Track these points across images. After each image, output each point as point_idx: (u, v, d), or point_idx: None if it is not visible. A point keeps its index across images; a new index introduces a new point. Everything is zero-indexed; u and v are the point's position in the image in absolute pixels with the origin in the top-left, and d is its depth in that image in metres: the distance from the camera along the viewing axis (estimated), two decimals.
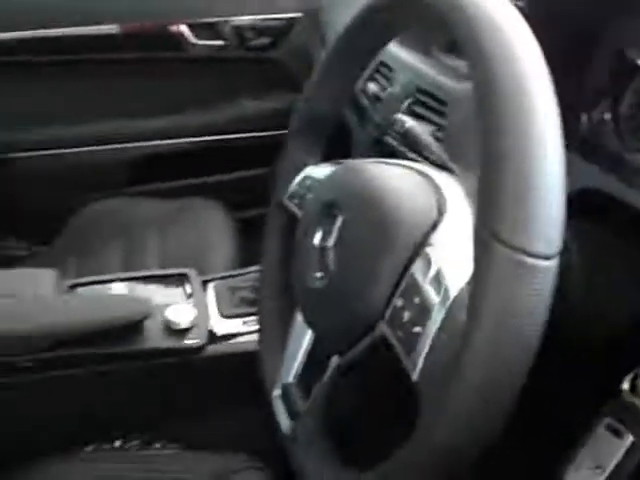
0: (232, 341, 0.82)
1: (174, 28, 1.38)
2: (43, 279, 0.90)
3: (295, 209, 0.63)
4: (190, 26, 1.38)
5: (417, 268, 0.43)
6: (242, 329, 0.83)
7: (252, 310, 0.85)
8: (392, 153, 0.81)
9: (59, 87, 1.41)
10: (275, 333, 0.64)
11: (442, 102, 0.76)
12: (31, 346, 0.78)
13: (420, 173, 0.52)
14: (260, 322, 0.67)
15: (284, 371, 0.59)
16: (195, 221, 1.25)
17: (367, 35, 0.57)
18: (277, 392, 0.59)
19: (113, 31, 1.38)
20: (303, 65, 1.36)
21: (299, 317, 0.59)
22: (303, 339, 0.58)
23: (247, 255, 1.15)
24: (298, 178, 0.64)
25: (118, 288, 0.90)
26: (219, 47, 1.41)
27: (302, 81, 1.46)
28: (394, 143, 0.83)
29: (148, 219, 1.28)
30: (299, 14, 1.42)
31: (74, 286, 0.91)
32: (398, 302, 0.43)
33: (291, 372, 0.58)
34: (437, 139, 0.70)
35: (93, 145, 1.44)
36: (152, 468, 0.77)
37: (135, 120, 1.45)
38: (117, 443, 0.84)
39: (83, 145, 1.44)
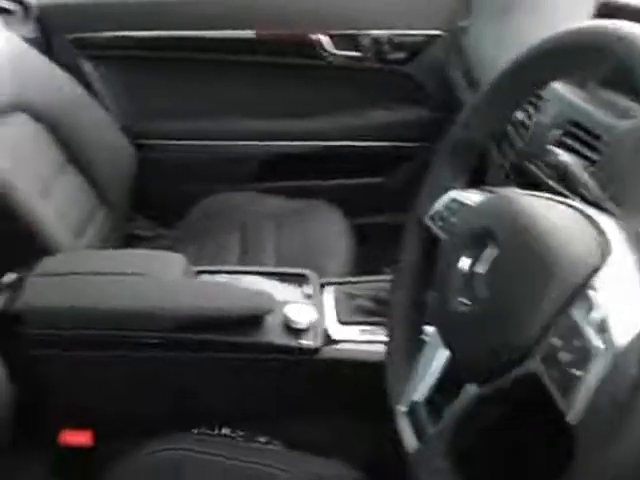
0: (348, 347, 0.84)
1: (314, 36, 1.44)
2: (173, 262, 0.95)
3: (437, 230, 0.64)
4: (330, 36, 1.44)
5: (577, 310, 0.43)
6: (359, 337, 0.85)
7: (370, 319, 0.87)
8: (535, 183, 0.80)
9: (206, 83, 1.52)
10: (404, 347, 0.65)
11: (597, 137, 0.74)
12: (157, 325, 0.84)
13: (580, 212, 0.51)
14: (389, 334, 0.68)
15: (412, 388, 0.59)
16: (314, 223, 1.29)
17: (537, 71, 0.58)
18: (403, 408, 0.60)
19: (255, 36, 1.46)
20: (435, 82, 1.37)
21: (433, 335, 0.59)
22: (436, 358, 0.58)
23: (362, 262, 1.17)
24: (443, 200, 0.65)
25: (241, 280, 0.96)
26: (356, 58, 1.45)
27: (431, 97, 1.48)
28: (539, 173, 0.82)
29: (268, 216, 1.33)
30: (439, 32, 1.44)
31: (200, 272, 0.98)
32: (554, 341, 0.43)
33: (420, 390, 0.58)
34: (590, 175, 0.69)
35: (229, 140, 1.53)
36: (253, 460, 0.79)
37: (268, 120, 1.52)
38: (224, 431, 0.88)
39: (220, 139, 1.53)
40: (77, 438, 0.89)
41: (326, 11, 1.46)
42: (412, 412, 0.58)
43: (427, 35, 1.44)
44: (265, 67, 1.49)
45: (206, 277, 0.97)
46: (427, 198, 0.68)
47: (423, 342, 0.63)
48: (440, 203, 0.65)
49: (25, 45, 1.33)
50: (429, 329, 0.63)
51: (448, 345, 0.54)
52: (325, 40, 1.43)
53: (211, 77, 1.52)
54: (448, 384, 0.55)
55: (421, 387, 0.59)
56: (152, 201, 1.53)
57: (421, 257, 0.67)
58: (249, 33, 1.46)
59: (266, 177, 1.53)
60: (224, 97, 1.51)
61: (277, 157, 1.53)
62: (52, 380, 0.88)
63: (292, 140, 1.52)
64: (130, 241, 1.46)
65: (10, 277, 0.93)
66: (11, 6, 1.52)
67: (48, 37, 1.52)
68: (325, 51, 1.44)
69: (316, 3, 1.46)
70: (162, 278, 0.90)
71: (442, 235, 0.63)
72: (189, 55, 1.52)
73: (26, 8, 1.53)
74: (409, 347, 0.65)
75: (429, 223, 0.66)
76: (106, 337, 0.84)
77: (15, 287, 0.89)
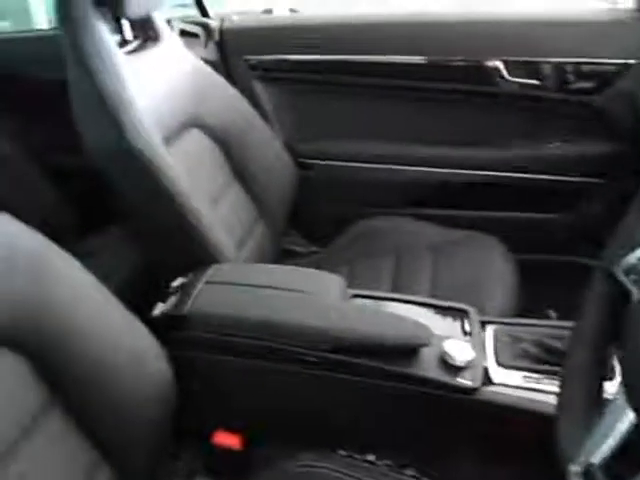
0: (509, 392, 0.80)
1: (489, 62, 1.41)
2: (332, 283, 0.98)
3: (629, 285, 0.59)
4: (504, 62, 1.40)
5: None
6: (522, 383, 0.80)
7: (534, 366, 0.82)
8: None
9: (370, 107, 1.56)
10: (580, 403, 0.60)
11: None
12: (316, 343, 0.86)
13: None
14: (562, 386, 0.64)
15: (589, 448, 0.55)
16: (474, 255, 1.25)
17: None
18: (576, 469, 0.55)
19: (424, 60, 1.47)
20: (623, 114, 1.28)
21: (619, 395, 0.54)
22: (621, 421, 0.53)
23: (524, 301, 1.12)
24: (638, 253, 0.60)
25: (396, 308, 0.95)
26: (534, 86, 1.40)
27: (618, 130, 1.38)
28: None
29: (424, 244, 1.32)
30: (630, 61, 1.35)
31: (356, 295, 0.99)
32: None
33: (598, 453, 0.54)
34: None
35: (389, 164, 1.54)
36: None
37: (432, 146, 1.51)
38: (369, 457, 0.88)
39: (380, 162, 1.55)
40: (228, 440, 0.93)
41: (504, 37, 1.42)
42: (587, 475, 0.54)
43: (618, 64, 1.35)
44: (433, 92, 1.49)
45: (361, 301, 0.98)
46: (620, 248, 0.63)
47: (604, 400, 0.58)
48: (636, 255, 0.60)
49: (206, 66, 1.44)
50: (612, 386, 0.58)
51: (636, 410, 0.49)
52: (500, 66, 1.40)
53: (376, 101, 1.55)
54: (633, 453, 0.50)
55: (600, 450, 0.54)
56: (307, 218, 1.59)
57: (608, 312, 0.62)
58: (418, 58, 1.48)
59: (424, 203, 1.52)
60: (388, 121, 1.54)
61: (438, 184, 1.52)
62: (211, 382, 0.93)
63: (455, 168, 1.50)
64: (283, 255, 1.52)
65: (179, 281, 1.01)
66: (196, 30, 1.67)
67: (226, 59, 1.64)
68: (500, 77, 1.41)
69: (493, 29, 1.44)
70: (322, 298, 0.92)
71: (636, 291, 0.58)
72: (355, 79, 1.56)
73: (209, 32, 1.67)
74: (587, 403, 0.60)
75: (621, 276, 0.61)
76: (266, 348, 0.86)
77: (184, 291, 0.96)
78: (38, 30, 2.07)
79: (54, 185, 1.59)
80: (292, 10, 1.83)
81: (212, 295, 0.94)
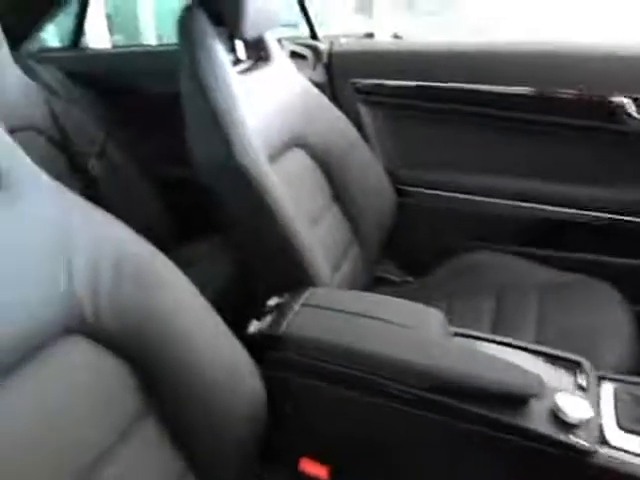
0: (630, 459, 0.72)
1: (614, 98, 1.33)
2: (432, 318, 0.94)
3: None
4: (634, 99, 1.32)
5: None
6: None
7: None
8: None
9: (478, 137, 1.52)
10: None
11: None
12: (413, 380, 0.82)
13: None
14: None
15: None
16: (585, 301, 1.16)
17: None
18: None
19: (540, 93, 1.41)
20: None
21: None
22: None
23: None
24: None
25: (501, 352, 0.89)
26: None
27: None
28: None
29: (530, 285, 1.25)
30: None
31: (458, 334, 0.94)
32: None
33: None
34: None
35: (494, 197, 1.49)
36: None
37: (544, 182, 1.45)
38: None
39: (485, 195, 1.50)
40: (315, 469, 0.90)
41: (633, 74, 1.35)
42: None
43: None
44: (546, 126, 1.42)
45: (463, 339, 0.93)
46: None
47: None
48: None
49: (313, 88, 1.46)
50: None
51: None
52: (627, 102, 1.32)
53: (485, 131, 1.50)
54: None
55: None
56: (403, 247, 1.55)
57: None
58: (531, 89, 1.42)
59: (532, 241, 1.45)
60: (497, 153, 1.48)
61: (548, 222, 1.44)
62: (301, 407, 0.91)
63: (568, 207, 1.42)
64: (376, 283, 1.49)
65: (275, 301, 1.00)
66: (305, 52, 1.69)
67: (333, 81, 1.65)
68: (626, 115, 1.33)
69: (621, 64, 1.36)
70: (423, 332, 0.88)
71: None
72: (462, 107, 1.52)
73: (317, 54, 1.69)
74: None
75: None
76: (360, 379, 0.84)
77: (280, 312, 0.95)
78: (153, 45, 2.18)
79: (160, 194, 1.65)
80: (396, 36, 1.83)
81: (308, 318, 0.92)
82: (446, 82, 1.52)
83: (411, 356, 0.83)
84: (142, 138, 1.75)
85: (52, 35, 2.15)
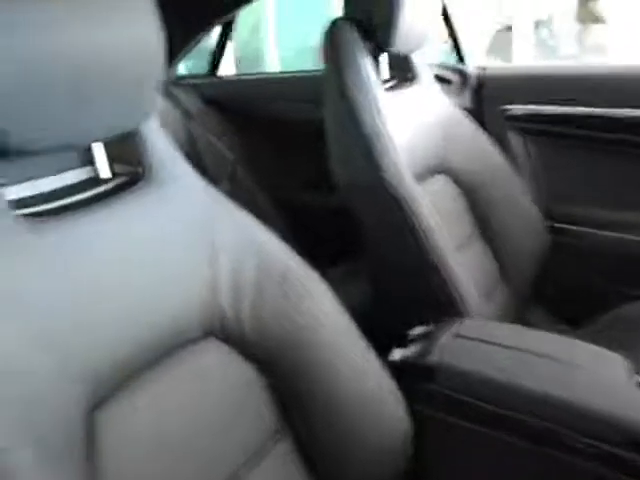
0: None
1: None
2: (614, 362, 0.81)
3: None
4: None
5: None
6: None
7: None
8: None
9: None
10: None
11: None
12: (594, 431, 0.69)
13: None
14: None
15: None
16: None
17: None
18: None
19: None
20: None
21: None
22: None
23: None
24: None
25: None
26: None
27: None
28: None
29: None
30: None
31: None
32: None
33: None
34: None
35: None
36: None
37: None
38: None
39: None
40: None
41: None
42: None
43: None
44: None
45: None
46: None
47: None
48: None
49: (460, 113, 1.39)
50: None
51: None
52: None
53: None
54: None
55: None
56: (556, 291, 1.40)
57: None
58: None
59: None
60: None
61: None
62: (448, 447, 0.80)
63: None
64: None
65: (422, 329, 0.91)
66: (451, 76, 1.63)
67: (481, 107, 1.57)
68: None
69: None
70: (605, 377, 0.75)
71: None
72: (629, 137, 1.38)
73: (464, 79, 1.62)
74: None
75: None
76: (527, 425, 0.72)
77: (428, 341, 0.86)
78: (287, 72, 2.23)
79: (288, 219, 1.63)
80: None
81: (462, 350, 0.82)
82: (607, 109, 1.39)
83: (596, 403, 0.70)
84: (273, 163, 1.76)
85: (191, 63, 2.26)
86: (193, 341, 0.66)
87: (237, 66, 3.87)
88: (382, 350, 0.84)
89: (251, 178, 1.67)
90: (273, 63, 4.46)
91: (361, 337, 0.76)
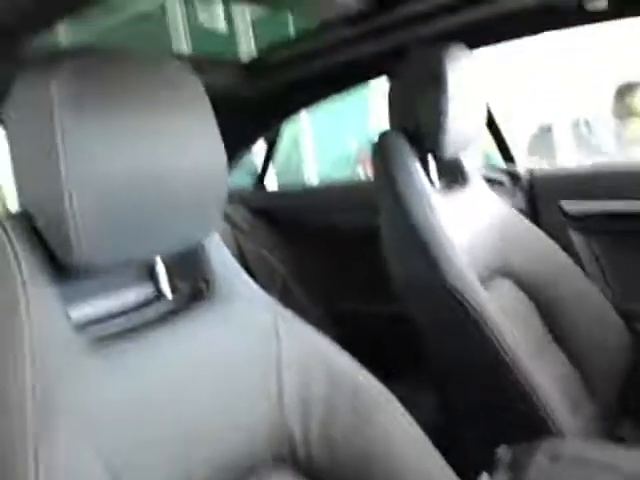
0: None
1: None
2: None
3: None
4: None
5: None
6: None
7: None
8: None
9: None
10: None
11: None
12: None
13: None
14: None
15: None
16: None
17: None
18: None
19: None
20: None
21: None
22: None
23: None
24: None
25: None
26: None
27: None
28: None
29: None
30: None
31: None
32: None
33: None
34: None
35: None
36: None
37: None
38: None
39: None
40: None
41: None
42: None
43: None
44: None
45: None
46: None
47: None
48: None
49: (516, 213, 1.35)
50: None
51: None
52: None
53: None
54: None
55: None
56: None
57: None
58: None
59: None
60: None
61: None
62: None
63: None
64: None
65: (508, 451, 0.82)
66: (503, 178, 1.61)
67: (536, 207, 1.53)
68: None
69: None
70: None
71: None
72: None
73: (515, 180, 1.60)
74: None
75: None
76: None
77: (519, 464, 0.77)
78: (334, 181, 2.26)
79: (341, 332, 1.57)
80: None
81: (564, 477, 0.73)
82: None
83: None
84: (325, 274, 1.73)
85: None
86: (264, 466, 0.64)
87: (278, 179, 4.00)
88: (460, 469, 0.76)
89: (303, 291, 1.64)
90: (311, 174, 4.60)
91: (436, 452, 0.71)
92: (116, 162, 0.53)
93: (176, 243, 0.63)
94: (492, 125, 1.63)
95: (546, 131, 3.60)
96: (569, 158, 3.26)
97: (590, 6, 1.16)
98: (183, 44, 3.92)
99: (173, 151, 0.58)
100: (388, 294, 1.18)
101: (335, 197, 1.86)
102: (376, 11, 1.28)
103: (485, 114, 1.28)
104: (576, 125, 3.44)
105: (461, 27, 1.30)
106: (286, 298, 1.65)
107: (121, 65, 0.57)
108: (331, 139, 4.80)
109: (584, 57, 3.47)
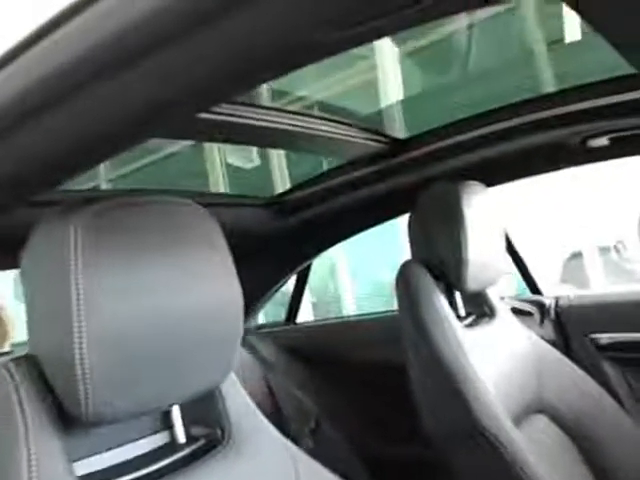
0: None
1: None
2: None
3: None
4: None
5: None
6: None
7: None
8: None
9: None
10: None
11: None
12: None
13: None
14: None
15: None
16: None
17: None
18: None
19: None
20: None
21: None
22: None
23: None
24: None
25: None
26: None
27: None
28: None
29: None
30: None
31: None
32: None
33: None
34: None
35: None
36: None
37: None
38: None
39: None
40: None
41: None
42: None
43: None
44: None
45: None
46: None
47: None
48: None
49: (546, 345, 1.33)
50: None
51: None
52: None
53: None
54: None
55: None
56: None
57: None
58: None
59: None
60: None
61: None
62: None
63: None
64: None
65: None
66: (530, 308, 1.60)
67: (567, 337, 1.51)
68: None
69: None
70: None
71: None
72: None
73: (543, 310, 1.58)
74: None
75: None
76: None
77: None
78: (363, 314, 2.26)
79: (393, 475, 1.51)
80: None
81: None
82: None
83: None
84: (359, 414, 1.68)
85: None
86: None
87: (314, 310, 4.00)
88: None
89: (336, 432, 1.59)
90: (349, 305, 4.59)
91: None
92: (130, 312, 0.53)
93: (191, 390, 0.61)
94: (516, 257, 1.64)
95: (577, 257, 3.59)
96: (601, 284, 3.22)
97: (592, 144, 1.21)
98: (218, 182, 4.09)
99: (188, 298, 0.58)
100: (425, 437, 1.14)
101: (365, 330, 1.85)
102: (395, 151, 1.35)
103: (505, 248, 1.30)
104: (607, 251, 3.44)
105: (475, 165, 1.36)
106: (318, 440, 1.60)
107: (138, 211, 0.57)
108: (367, 269, 4.83)
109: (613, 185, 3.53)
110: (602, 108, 1.13)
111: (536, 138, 1.24)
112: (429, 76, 2.98)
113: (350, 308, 4.54)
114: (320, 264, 4.33)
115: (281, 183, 3.23)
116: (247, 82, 0.47)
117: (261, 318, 2.18)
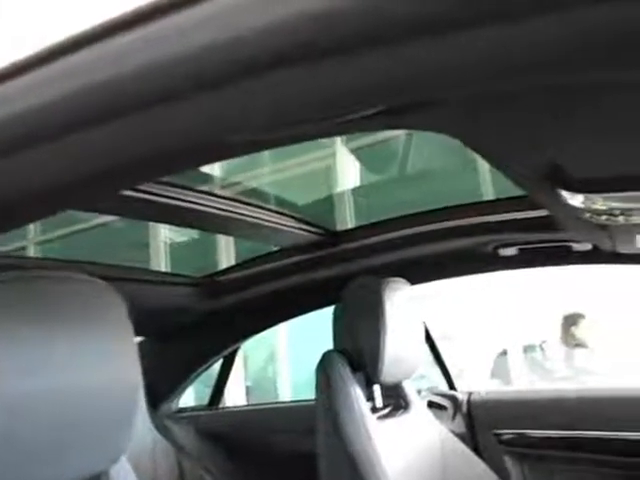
0: None
1: None
2: None
3: None
4: None
5: None
6: None
7: None
8: None
9: None
10: None
11: None
12: None
13: None
14: None
15: None
16: None
17: None
18: None
19: None
20: None
21: None
22: None
23: None
24: None
25: None
26: None
27: None
28: None
29: None
30: None
31: None
32: None
33: None
34: None
35: None
36: None
37: None
38: None
39: None
40: None
41: None
42: None
43: None
44: None
45: None
46: None
47: None
48: None
49: (454, 439, 1.39)
50: None
51: None
52: None
53: None
54: None
55: None
56: None
57: None
58: None
59: None
60: None
61: None
62: None
63: None
64: None
65: None
66: (445, 402, 1.66)
67: (474, 432, 1.57)
68: None
69: None
70: None
71: None
72: (614, 459, 1.39)
73: (456, 404, 1.65)
74: None
75: None
76: None
77: None
78: (284, 401, 2.26)
79: None
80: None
81: None
82: (591, 430, 1.42)
83: None
84: None
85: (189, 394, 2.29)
86: None
87: (248, 395, 3.91)
88: None
89: None
90: (285, 390, 4.52)
91: None
92: (17, 389, 0.52)
93: (76, 474, 0.59)
94: (433, 349, 1.72)
95: (506, 354, 3.72)
96: (522, 381, 3.34)
97: (503, 253, 1.32)
98: (159, 253, 4.03)
99: (80, 375, 0.57)
100: None
101: (282, 418, 1.86)
102: (328, 242, 1.42)
103: (424, 343, 1.37)
104: (531, 349, 3.57)
105: (399, 263, 1.45)
106: None
107: (41, 285, 0.57)
108: (306, 355, 4.79)
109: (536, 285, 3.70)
110: (512, 222, 1.24)
111: (452, 243, 1.34)
112: (368, 173, 3.13)
113: (286, 393, 4.48)
114: (259, 348, 4.30)
115: (225, 257, 3.21)
116: (157, 171, 0.50)
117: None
